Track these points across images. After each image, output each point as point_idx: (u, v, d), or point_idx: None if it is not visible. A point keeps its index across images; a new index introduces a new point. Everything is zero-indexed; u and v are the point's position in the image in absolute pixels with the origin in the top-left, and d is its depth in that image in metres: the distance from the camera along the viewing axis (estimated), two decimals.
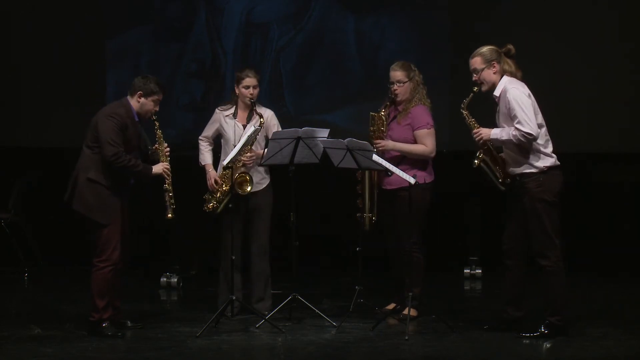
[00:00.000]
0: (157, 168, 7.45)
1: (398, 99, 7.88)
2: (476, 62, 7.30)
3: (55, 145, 10.20)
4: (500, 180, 7.36)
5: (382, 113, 7.88)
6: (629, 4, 9.99)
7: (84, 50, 10.30)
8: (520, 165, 7.24)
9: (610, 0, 10.07)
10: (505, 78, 7.27)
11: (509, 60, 7.30)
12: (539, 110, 7.26)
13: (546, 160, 7.21)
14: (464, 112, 7.35)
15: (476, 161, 7.33)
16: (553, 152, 7.26)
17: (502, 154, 7.35)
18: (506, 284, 7.41)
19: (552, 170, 7.22)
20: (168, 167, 7.48)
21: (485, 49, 7.32)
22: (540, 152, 7.20)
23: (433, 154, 7.88)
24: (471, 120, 7.36)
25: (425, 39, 10.15)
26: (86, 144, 7.37)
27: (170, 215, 7.46)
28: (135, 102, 7.44)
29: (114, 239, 7.30)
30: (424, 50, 10.09)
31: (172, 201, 7.46)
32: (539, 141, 7.18)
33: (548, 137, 7.28)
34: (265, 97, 10.15)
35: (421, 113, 7.87)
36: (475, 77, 7.31)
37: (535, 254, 7.24)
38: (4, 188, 10.18)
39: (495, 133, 7.24)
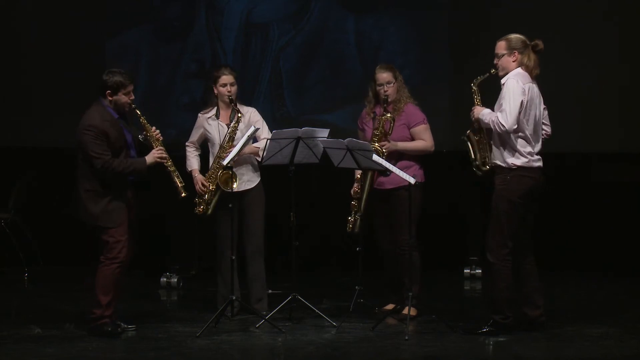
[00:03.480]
0: (150, 158, 7.36)
1: (390, 99, 7.91)
2: (500, 46, 7.30)
3: (55, 145, 10.19)
4: (477, 162, 7.35)
5: (389, 115, 7.88)
6: (630, 5, 9.99)
7: (84, 50, 10.29)
8: (495, 155, 7.26)
9: (611, 1, 10.07)
10: (517, 69, 7.25)
11: (532, 55, 7.27)
12: (536, 109, 7.22)
13: (518, 159, 7.17)
14: (474, 88, 7.35)
15: (464, 137, 7.35)
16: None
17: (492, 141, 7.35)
18: (519, 284, 7.36)
19: (520, 171, 7.17)
20: (161, 151, 7.37)
21: (513, 35, 7.30)
22: (515, 149, 7.17)
23: (433, 148, 7.97)
24: (477, 98, 7.36)
25: (425, 39, 10.14)
26: (79, 155, 7.35)
27: (183, 193, 7.42)
28: (108, 102, 7.33)
29: (123, 239, 7.31)
30: (424, 50, 10.08)
31: (180, 179, 7.41)
32: (518, 138, 7.15)
33: (531, 137, 7.19)
34: (265, 97, 10.15)
35: (414, 110, 7.97)
36: (496, 60, 7.31)
37: (486, 249, 7.25)
38: (4, 188, 10.17)
39: (483, 114, 7.24)
